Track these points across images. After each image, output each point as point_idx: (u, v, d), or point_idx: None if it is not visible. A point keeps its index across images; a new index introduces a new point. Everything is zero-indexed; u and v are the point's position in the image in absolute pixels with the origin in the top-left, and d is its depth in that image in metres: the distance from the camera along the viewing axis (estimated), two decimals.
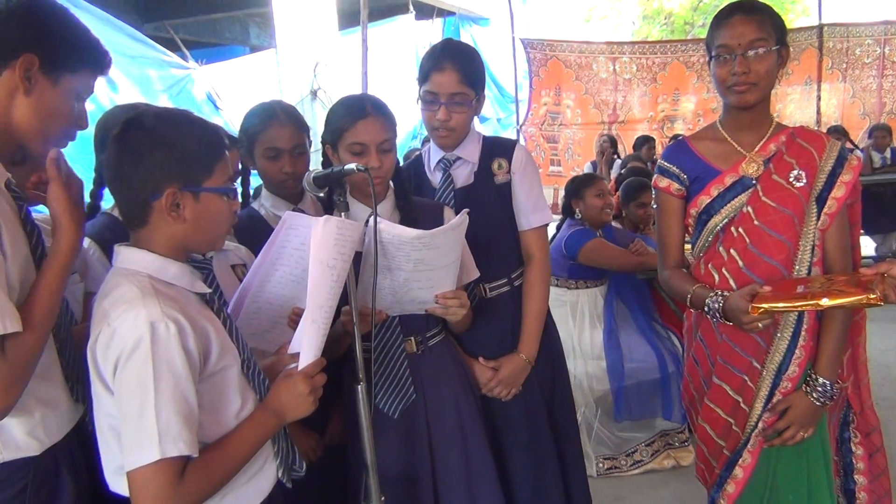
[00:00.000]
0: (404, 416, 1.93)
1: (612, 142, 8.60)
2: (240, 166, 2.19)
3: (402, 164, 2.13)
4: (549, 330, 2.25)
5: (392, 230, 1.65)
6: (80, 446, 1.52)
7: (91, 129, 1.73)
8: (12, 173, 1.43)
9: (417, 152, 3.01)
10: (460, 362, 2.08)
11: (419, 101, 2.11)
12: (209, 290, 1.42)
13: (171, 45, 7.97)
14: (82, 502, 1.49)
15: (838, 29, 9.36)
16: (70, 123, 1.47)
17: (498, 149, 2.18)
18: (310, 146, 2.21)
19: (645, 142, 8.38)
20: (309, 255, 1.62)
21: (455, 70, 2.02)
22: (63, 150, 1.50)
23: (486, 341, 2.15)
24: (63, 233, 1.39)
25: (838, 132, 7.58)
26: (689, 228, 2.03)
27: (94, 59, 1.49)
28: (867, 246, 7.20)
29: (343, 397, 1.98)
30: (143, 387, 1.21)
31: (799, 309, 1.75)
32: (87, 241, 1.95)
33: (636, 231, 4.15)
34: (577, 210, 3.69)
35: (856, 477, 2.04)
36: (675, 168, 2.00)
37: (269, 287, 1.68)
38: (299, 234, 1.63)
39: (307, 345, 1.45)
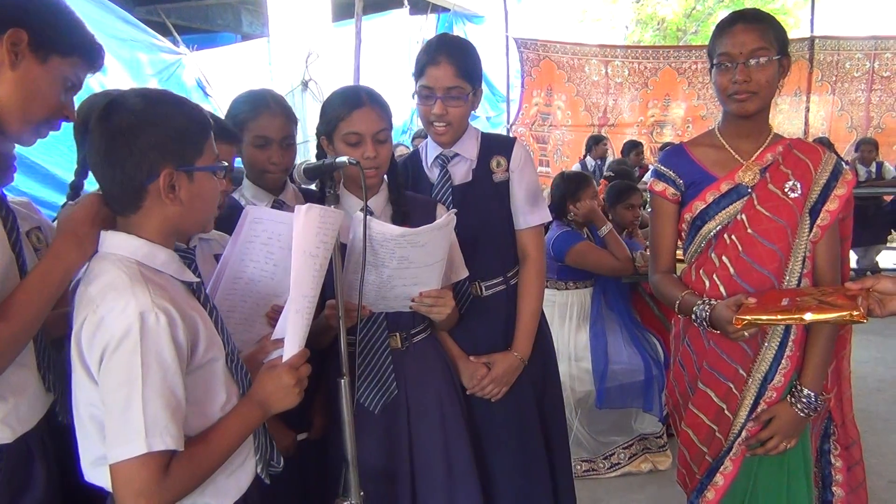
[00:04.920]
0: (385, 412, 1.91)
1: (597, 140, 8.76)
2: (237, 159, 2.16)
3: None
4: (541, 329, 2.24)
5: (377, 227, 1.64)
6: (50, 434, 1.50)
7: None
8: None
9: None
10: (444, 360, 2.06)
11: (415, 97, 2.09)
12: (197, 280, 1.39)
13: (162, 30, 7.86)
14: (54, 490, 1.48)
15: (829, 42, 9.45)
16: (54, 110, 1.44)
17: (497, 146, 2.17)
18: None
19: (633, 147, 8.43)
20: (277, 250, 1.61)
21: (451, 64, 2.01)
22: (44, 139, 1.47)
23: (481, 340, 2.14)
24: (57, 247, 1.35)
25: (823, 143, 7.64)
26: (683, 233, 2.04)
27: (86, 49, 1.47)
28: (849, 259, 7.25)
29: (325, 390, 1.96)
30: (130, 379, 1.18)
31: (782, 323, 1.75)
32: None
33: (621, 233, 4.16)
34: (572, 211, 3.69)
35: (834, 489, 2.05)
36: (671, 172, 2.00)
37: (241, 284, 1.64)
38: (266, 227, 1.61)
39: (291, 335, 1.42)
